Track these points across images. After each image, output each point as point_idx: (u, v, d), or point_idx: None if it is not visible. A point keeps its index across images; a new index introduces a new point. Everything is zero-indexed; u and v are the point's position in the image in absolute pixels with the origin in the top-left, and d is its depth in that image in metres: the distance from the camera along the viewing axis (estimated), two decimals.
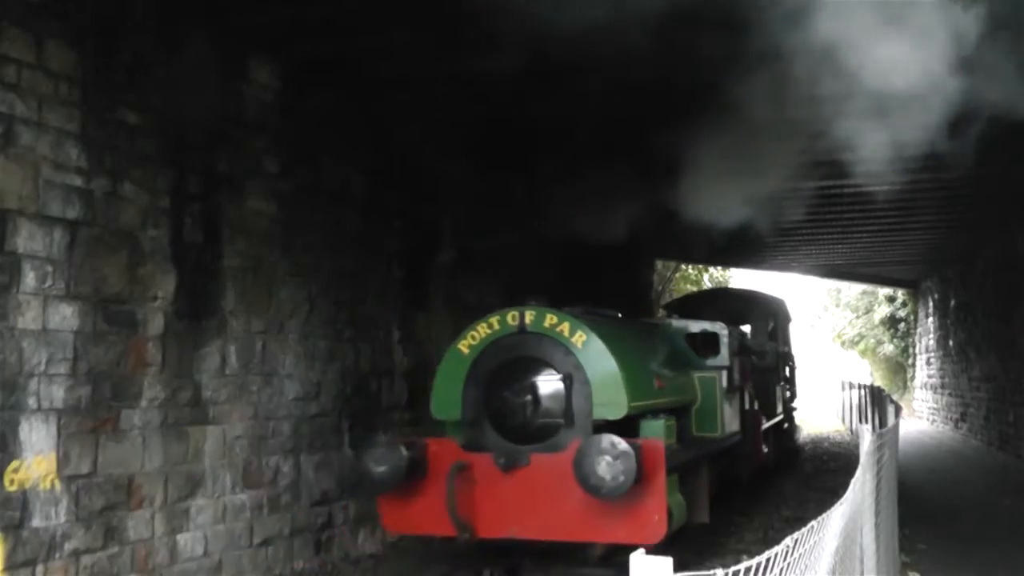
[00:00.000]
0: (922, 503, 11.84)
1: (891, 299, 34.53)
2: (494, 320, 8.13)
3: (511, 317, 8.05)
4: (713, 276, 30.69)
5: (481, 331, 8.15)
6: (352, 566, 9.21)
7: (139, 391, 7.09)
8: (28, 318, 6.22)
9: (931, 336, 27.20)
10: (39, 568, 6.20)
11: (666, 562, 2.13)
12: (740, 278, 32.52)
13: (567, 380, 7.77)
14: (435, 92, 10.01)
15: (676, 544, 9.24)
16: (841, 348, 41.52)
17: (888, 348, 35.77)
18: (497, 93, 10.06)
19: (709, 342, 10.63)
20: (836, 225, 18.10)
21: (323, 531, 9.16)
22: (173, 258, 7.48)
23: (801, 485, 14.40)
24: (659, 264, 24.14)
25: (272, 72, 8.71)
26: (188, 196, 7.68)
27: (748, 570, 2.23)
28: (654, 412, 8.38)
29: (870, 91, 8.36)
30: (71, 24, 6.64)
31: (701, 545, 9.95)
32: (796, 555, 2.59)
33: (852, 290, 37.70)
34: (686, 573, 2.23)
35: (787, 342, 16.47)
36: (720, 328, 10.74)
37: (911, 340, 31.99)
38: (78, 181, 6.64)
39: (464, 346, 8.16)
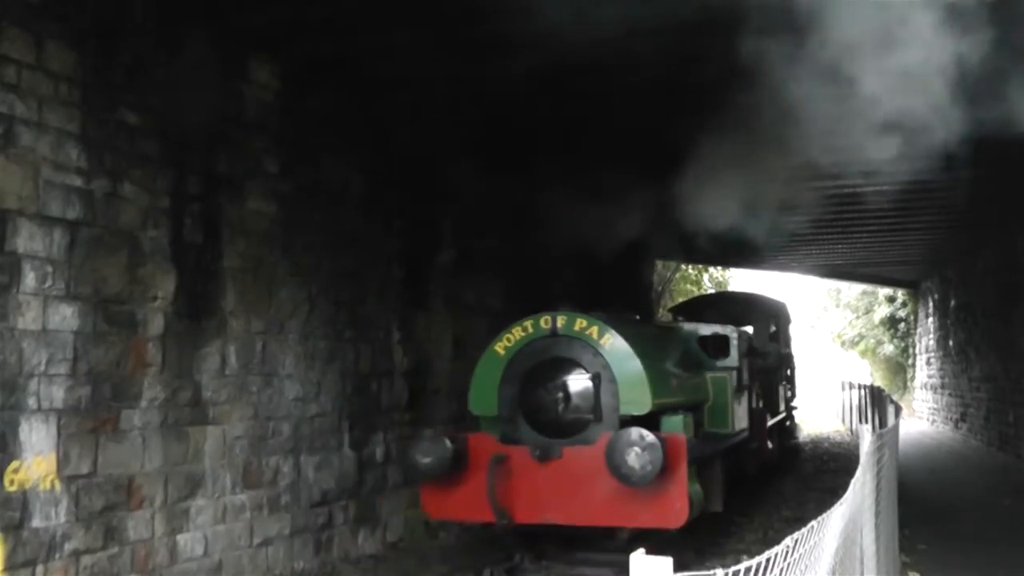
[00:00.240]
0: (922, 503, 11.84)
1: (891, 299, 34.52)
2: (528, 324, 8.80)
3: (544, 321, 8.73)
4: (713, 276, 30.70)
5: (516, 334, 8.81)
6: (352, 566, 9.21)
7: (139, 391, 7.09)
8: (28, 318, 6.22)
9: (931, 336, 27.21)
10: (39, 568, 6.20)
11: (666, 562, 2.13)
12: (740, 278, 32.55)
13: (596, 379, 8.43)
14: (435, 92, 10.02)
15: (676, 545, 9.31)
16: (841, 348, 41.52)
17: (888, 348, 35.77)
18: (498, 94, 10.07)
19: (719, 344, 11.28)
20: (836, 225, 18.10)
21: (323, 531, 9.16)
22: (173, 258, 7.48)
23: (801, 485, 14.41)
24: (659, 264, 24.14)
25: (272, 72, 8.71)
26: (188, 196, 7.68)
27: (748, 570, 2.23)
28: (673, 409, 8.97)
29: (874, 102, 8.41)
30: (71, 25, 6.65)
31: (701, 545, 9.96)
32: (796, 555, 2.59)
33: (852, 290, 37.69)
34: (686, 573, 2.23)
35: (788, 343, 17.08)
36: (730, 331, 11.42)
37: (911, 340, 31.99)
38: (78, 181, 6.65)
39: (500, 347, 8.82)
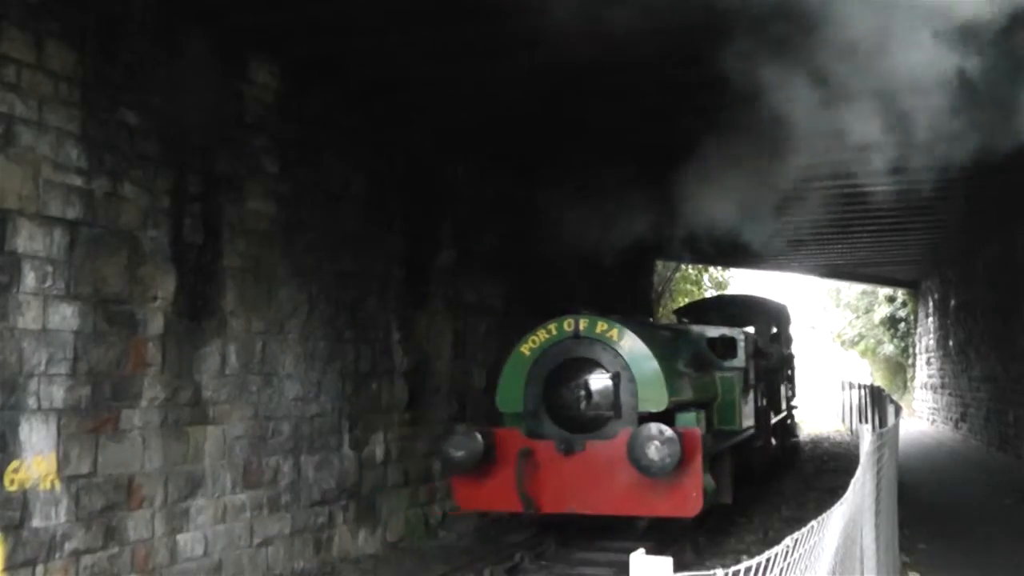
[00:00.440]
0: (922, 503, 11.84)
1: (891, 299, 34.50)
2: (552, 326, 9.35)
3: (567, 324, 9.29)
4: (713, 277, 30.69)
5: (541, 336, 9.36)
6: (352, 566, 9.21)
7: (139, 391, 7.10)
8: (28, 318, 6.22)
9: (931, 336, 27.20)
10: (39, 568, 6.20)
11: (666, 562, 2.13)
12: (740, 278, 32.55)
13: (615, 378, 9.01)
14: (436, 92, 10.01)
15: (676, 545, 9.33)
16: (841, 348, 41.51)
17: (888, 348, 35.74)
18: (499, 94, 10.06)
19: (727, 345, 11.83)
20: (836, 225, 18.09)
21: (323, 531, 9.16)
22: (173, 258, 7.48)
23: (801, 485, 14.41)
24: (659, 264, 24.14)
25: (272, 72, 8.71)
26: (188, 196, 7.68)
27: (748, 570, 2.23)
28: (686, 406, 9.57)
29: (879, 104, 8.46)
30: (71, 24, 6.64)
31: (701, 545, 9.96)
32: (796, 555, 2.59)
33: (852, 290, 37.66)
34: (686, 573, 2.23)
35: (788, 344, 17.56)
36: (738, 333, 12.04)
37: (911, 340, 31.97)
38: (78, 181, 6.65)
39: (526, 349, 9.36)
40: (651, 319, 15.82)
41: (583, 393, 9.03)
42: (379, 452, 10.10)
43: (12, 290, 6.12)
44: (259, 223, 8.50)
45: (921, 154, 10.93)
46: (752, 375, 12.19)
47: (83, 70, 6.72)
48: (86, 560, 6.55)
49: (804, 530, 2.73)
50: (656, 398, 8.95)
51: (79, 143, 6.67)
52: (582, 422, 9.05)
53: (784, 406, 16.40)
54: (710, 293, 30.26)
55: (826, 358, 43.57)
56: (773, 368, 14.86)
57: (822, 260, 24.82)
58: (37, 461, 6.23)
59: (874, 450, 5.53)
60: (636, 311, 17.96)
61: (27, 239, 6.23)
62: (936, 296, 26.29)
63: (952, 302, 23.85)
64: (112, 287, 6.89)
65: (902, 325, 33.85)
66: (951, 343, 24.02)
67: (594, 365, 9.12)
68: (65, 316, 6.49)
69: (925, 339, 28.44)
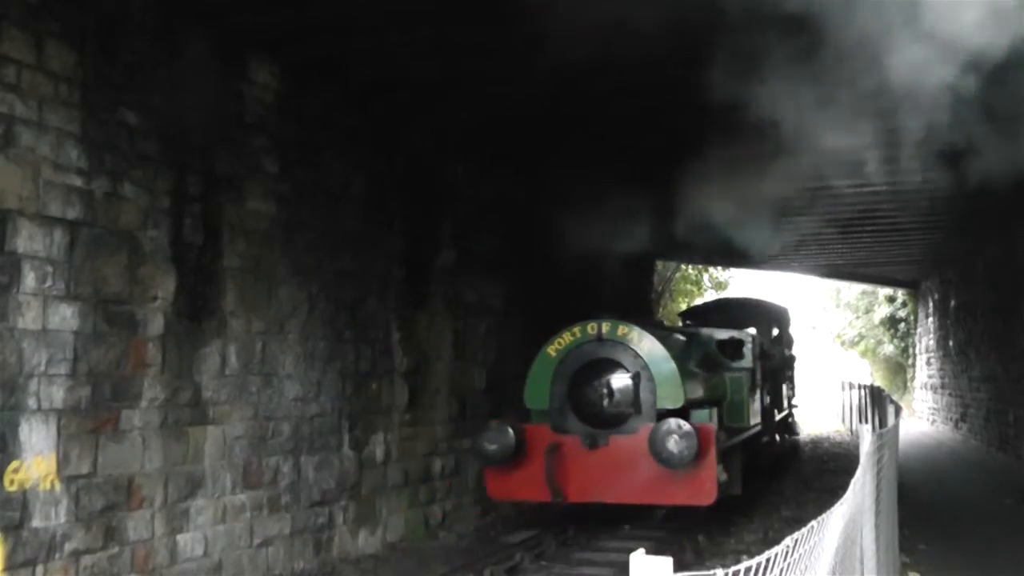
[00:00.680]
0: (922, 503, 11.84)
1: (891, 299, 34.49)
2: (576, 330, 9.97)
3: (590, 327, 9.91)
4: (713, 276, 30.69)
5: (566, 338, 9.98)
6: (352, 566, 9.21)
7: (139, 392, 7.09)
8: (28, 318, 6.22)
9: (931, 336, 27.19)
10: (39, 568, 6.20)
11: (666, 562, 2.13)
12: (740, 278, 32.55)
13: (636, 378, 9.63)
14: (436, 92, 10.01)
15: (676, 545, 9.33)
16: (841, 348, 41.50)
17: (888, 348, 35.74)
18: (499, 95, 10.06)
19: (735, 347, 12.57)
20: (836, 225, 18.09)
21: (323, 531, 9.16)
22: (173, 258, 7.47)
23: (801, 485, 14.41)
24: (659, 264, 24.15)
25: (272, 72, 8.70)
26: (188, 196, 7.68)
27: (748, 570, 2.23)
28: (699, 404, 10.22)
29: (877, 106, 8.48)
30: (71, 24, 6.64)
31: (701, 545, 9.97)
32: (796, 555, 2.59)
33: (852, 290, 37.65)
34: (686, 573, 2.23)
35: (789, 345, 18.09)
36: (745, 336, 12.82)
37: (911, 340, 31.96)
38: (78, 181, 6.65)
39: (552, 350, 10.00)
40: (663, 322, 16.28)
41: (606, 391, 9.62)
42: (379, 452, 10.10)
43: (12, 290, 6.12)
44: (259, 223, 8.50)
45: (922, 157, 10.96)
46: (759, 375, 12.82)
47: (83, 70, 6.72)
48: (86, 560, 6.55)
49: (804, 530, 2.73)
50: (673, 396, 9.56)
51: (79, 143, 6.66)
52: (605, 418, 9.63)
53: (786, 405, 17.03)
54: (710, 293, 30.28)
55: (826, 358, 43.58)
56: (776, 369, 15.40)
57: (822, 260, 24.81)
58: (37, 461, 6.23)
59: (874, 450, 5.52)
60: (637, 311, 18.07)
61: (27, 239, 6.23)
62: (936, 296, 26.28)
63: (952, 302, 23.85)
64: (112, 287, 6.89)
65: (902, 325, 33.85)
66: (951, 343, 24.02)
67: (616, 366, 9.74)
68: (65, 316, 6.49)
69: (925, 339, 28.43)
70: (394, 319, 10.50)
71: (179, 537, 7.41)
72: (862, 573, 4.58)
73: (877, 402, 17.84)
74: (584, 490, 9.42)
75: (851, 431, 24.35)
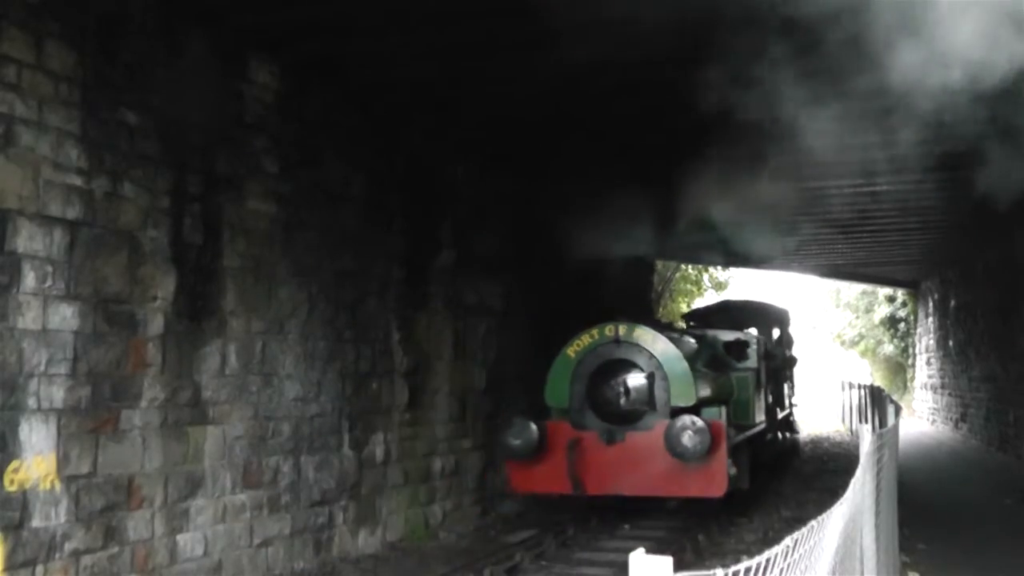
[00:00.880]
0: (922, 503, 11.83)
1: (891, 299, 34.47)
2: (595, 332, 10.53)
3: (608, 330, 10.48)
4: (713, 276, 30.68)
5: (585, 340, 10.53)
6: (352, 566, 9.21)
7: (139, 391, 7.09)
8: (28, 318, 6.22)
9: (931, 336, 27.19)
10: (39, 568, 6.20)
11: (666, 562, 2.13)
12: (740, 278, 32.54)
13: (651, 377, 10.22)
14: (436, 93, 10.01)
15: (676, 545, 9.32)
16: (841, 348, 41.48)
17: (888, 348, 35.72)
18: (500, 95, 10.06)
19: (740, 348, 13.07)
20: (836, 225, 18.09)
21: (323, 531, 9.16)
22: (173, 258, 7.47)
23: (801, 485, 14.40)
24: (659, 264, 24.14)
25: (272, 72, 8.70)
26: (188, 196, 7.68)
27: (748, 570, 2.23)
28: (709, 402, 10.69)
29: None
30: (71, 24, 6.64)
31: (701, 545, 9.97)
32: (796, 555, 2.59)
33: (852, 290, 37.63)
34: (686, 573, 2.23)
35: (790, 346, 18.45)
36: (750, 338, 13.39)
37: (911, 340, 31.95)
38: (78, 181, 6.64)
39: (571, 351, 10.55)
40: (673, 323, 16.71)
41: (622, 390, 10.14)
42: (379, 452, 10.09)
43: (12, 290, 6.12)
44: (259, 223, 8.50)
45: (923, 157, 10.95)
46: (763, 375, 13.38)
47: (83, 70, 6.72)
48: (86, 560, 6.55)
49: (804, 530, 2.73)
50: (686, 394, 10.15)
51: (79, 143, 6.66)
52: (621, 415, 10.17)
53: (787, 404, 17.52)
54: (710, 293, 30.30)
55: (826, 358, 43.57)
56: (778, 369, 15.90)
57: (822, 260, 24.80)
58: (37, 461, 6.23)
59: (874, 450, 5.52)
60: (637, 311, 18.12)
61: (27, 239, 6.23)
62: (936, 296, 26.28)
63: (952, 302, 23.85)
64: (112, 287, 6.89)
65: (902, 325, 33.83)
66: (951, 343, 24.02)
67: (631, 366, 10.32)
68: (65, 316, 6.49)
69: (925, 339, 28.42)
70: (394, 319, 10.50)
71: (179, 537, 7.41)
72: (862, 573, 4.58)
73: (877, 402, 17.84)
74: (603, 483, 9.96)
75: (851, 431, 24.34)
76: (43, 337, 6.32)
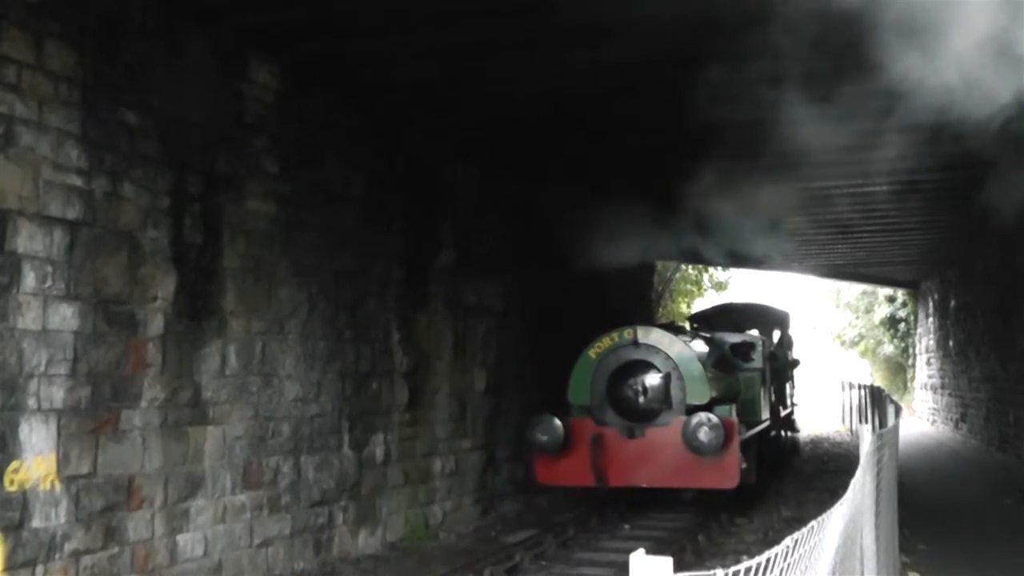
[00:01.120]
0: (922, 503, 11.83)
1: (891, 299, 34.47)
2: (615, 335, 11.20)
3: (627, 333, 11.15)
4: (713, 277, 30.67)
5: (605, 342, 11.20)
6: (352, 566, 9.21)
7: (139, 392, 7.09)
8: (28, 318, 6.22)
9: (931, 336, 27.18)
10: (39, 569, 6.20)
11: (666, 562, 2.13)
12: (740, 278, 32.53)
13: (667, 377, 10.87)
14: (436, 93, 10.01)
15: (676, 545, 9.32)
16: (841, 348, 41.47)
17: (888, 348, 35.71)
18: (500, 95, 10.06)
19: (747, 349, 13.70)
20: (836, 225, 18.09)
21: (323, 531, 9.16)
22: (173, 258, 7.47)
23: (801, 485, 14.40)
24: (659, 264, 24.14)
25: (272, 72, 8.70)
26: (188, 196, 7.68)
27: (748, 570, 2.23)
28: (721, 400, 11.31)
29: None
30: (71, 24, 6.64)
31: (701, 545, 9.97)
32: (796, 555, 2.59)
33: (852, 290, 37.63)
34: (686, 573, 2.23)
35: (790, 348, 18.91)
36: (756, 340, 14.06)
37: (911, 340, 31.95)
38: (78, 181, 6.64)
39: (593, 353, 11.21)
40: (684, 326, 17.09)
41: (641, 389, 10.88)
42: (379, 452, 10.09)
43: (12, 290, 6.12)
44: (259, 223, 8.49)
45: (923, 157, 10.95)
46: (768, 375, 14.03)
47: (83, 70, 6.72)
48: (86, 560, 6.54)
49: (804, 530, 2.73)
50: (700, 393, 10.80)
51: (79, 143, 6.66)
52: (640, 413, 10.86)
53: (789, 403, 18.10)
54: (710, 293, 30.31)
55: (826, 358, 43.56)
56: (780, 369, 16.47)
57: (823, 260, 24.81)
58: (37, 461, 6.23)
59: (874, 450, 5.52)
60: (637, 311, 18.25)
61: (27, 239, 6.23)
62: (936, 296, 26.28)
63: (952, 302, 23.84)
64: (112, 287, 6.89)
65: (902, 325, 33.83)
66: (951, 343, 24.01)
67: (649, 366, 10.98)
68: (65, 316, 6.49)
69: (925, 339, 28.42)
70: (394, 319, 10.50)
71: (179, 537, 7.41)
72: (862, 573, 4.58)
73: (877, 402, 17.86)
74: (623, 475, 10.62)
75: (851, 431, 24.34)
76: (43, 337, 6.32)
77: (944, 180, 13.66)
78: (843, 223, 17.64)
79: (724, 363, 12.88)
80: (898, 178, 13.23)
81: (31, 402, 6.21)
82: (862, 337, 38.08)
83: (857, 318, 38.20)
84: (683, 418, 10.40)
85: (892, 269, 26.52)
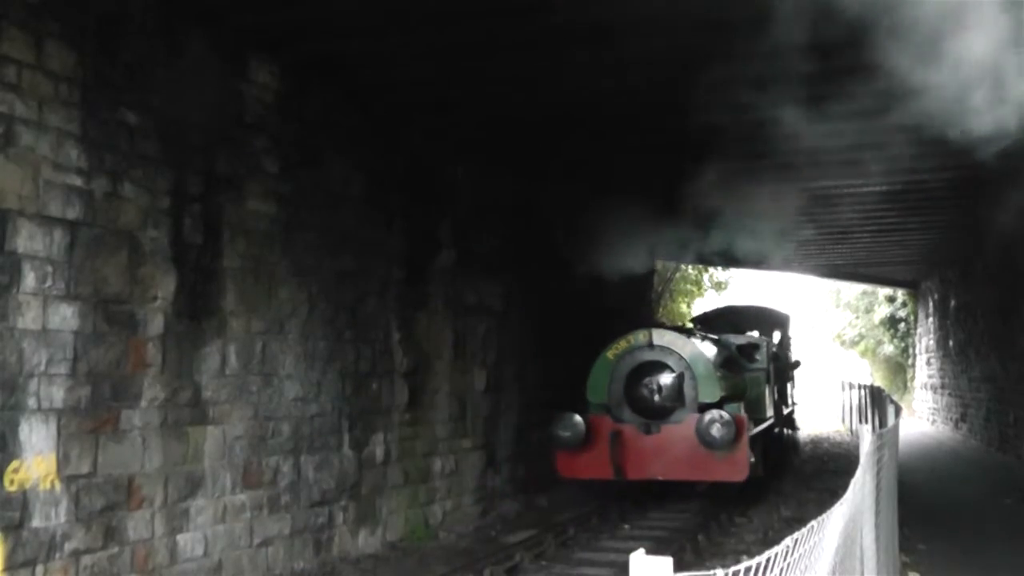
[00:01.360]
0: (922, 503, 11.83)
1: (891, 299, 34.47)
2: (631, 337, 11.84)
3: (642, 335, 11.83)
4: (713, 277, 30.67)
5: (622, 344, 11.82)
6: (352, 566, 9.21)
7: (139, 391, 7.09)
8: (28, 318, 6.22)
9: (931, 336, 27.18)
10: (39, 568, 6.20)
11: (666, 562, 2.13)
12: (740, 278, 32.52)
13: (680, 377, 11.47)
14: (436, 93, 10.01)
15: (675, 545, 9.32)
16: (841, 348, 41.47)
17: (888, 348, 35.71)
18: (500, 95, 10.06)
19: (752, 350, 14.38)
20: (836, 225, 18.09)
21: (323, 531, 9.16)
22: (173, 258, 7.47)
23: (801, 485, 14.40)
24: (659, 264, 24.12)
25: (272, 72, 8.70)
26: (188, 196, 7.68)
27: (748, 570, 2.23)
28: (730, 398, 11.84)
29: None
30: (71, 24, 6.64)
31: (701, 545, 9.97)
32: (796, 555, 2.59)
33: (852, 290, 37.63)
34: (686, 573, 2.23)
35: (791, 348, 19.29)
36: (761, 341, 14.76)
37: (911, 340, 31.94)
38: (78, 181, 6.64)
39: (611, 354, 11.82)
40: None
41: (656, 388, 11.49)
42: (379, 452, 10.09)
43: (12, 290, 6.12)
44: (259, 223, 8.49)
45: (923, 157, 10.95)
46: (772, 375, 14.60)
47: (83, 70, 6.72)
48: (86, 560, 6.55)
49: (804, 530, 2.73)
50: (712, 392, 11.44)
51: (79, 143, 6.66)
52: (655, 410, 11.48)
53: (790, 402, 18.60)
54: (710, 293, 30.30)
55: (826, 358, 43.55)
56: (782, 369, 16.96)
57: (822, 260, 24.80)
58: (37, 461, 6.23)
59: (874, 450, 5.52)
60: (637, 311, 18.33)
61: (27, 239, 6.23)
62: (936, 296, 26.28)
63: (952, 302, 23.84)
64: (112, 287, 6.89)
65: (902, 325, 33.83)
66: (951, 343, 24.01)
67: (663, 366, 11.59)
68: (65, 316, 6.49)
69: (925, 339, 28.42)
70: (394, 319, 10.50)
71: (179, 537, 7.41)
72: (862, 573, 4.58)
73: (877, 402, 17.86)
74: (641, 469, 11.23)
75: (851, 431, 24.34)
76: (43, 337, 6.32)
77: (944, 180, 13.66)
78: (843, 223, 17.64)
79: (731, 363, 13.40)
80: (898, 178, 13.23)
81: (31, 402, 6.21)
82: (862, 337, 38.08)
83: (857, 318, 38.20)
84: (696, 415, 11.00)
85: (892, 269, 26.52)
